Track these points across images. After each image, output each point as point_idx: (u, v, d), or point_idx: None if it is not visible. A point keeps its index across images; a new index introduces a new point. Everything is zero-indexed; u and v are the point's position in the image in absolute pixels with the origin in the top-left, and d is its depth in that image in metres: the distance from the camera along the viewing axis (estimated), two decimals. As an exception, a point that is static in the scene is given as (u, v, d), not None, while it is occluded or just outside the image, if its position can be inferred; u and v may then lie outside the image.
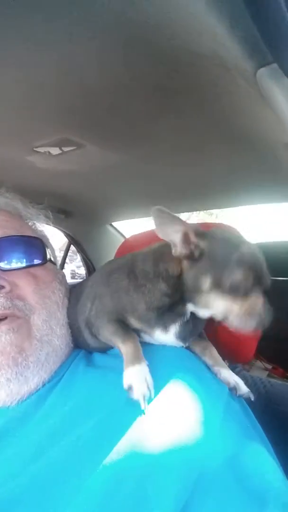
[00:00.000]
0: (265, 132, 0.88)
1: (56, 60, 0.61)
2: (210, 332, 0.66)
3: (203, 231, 0.51)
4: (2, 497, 0.39)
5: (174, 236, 0.51)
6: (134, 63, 0.63)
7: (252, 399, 0.54)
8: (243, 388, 0.55)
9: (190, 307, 0.55)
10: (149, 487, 0.37)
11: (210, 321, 0.58)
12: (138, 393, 0.45)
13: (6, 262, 0.60)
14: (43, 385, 0.57)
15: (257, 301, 0.49)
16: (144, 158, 1.11)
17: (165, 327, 0.56)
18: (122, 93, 0.74)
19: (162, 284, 0.55)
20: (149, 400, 0.45)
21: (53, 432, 0.47)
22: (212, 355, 0.60)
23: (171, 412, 0.45)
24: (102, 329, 0.58)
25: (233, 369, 0.76)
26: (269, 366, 1.71)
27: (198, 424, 0.43)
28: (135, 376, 0.47)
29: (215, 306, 0.51)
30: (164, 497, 0.36)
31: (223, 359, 0.61)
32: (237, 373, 0.78)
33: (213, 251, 0.50)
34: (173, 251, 0.51)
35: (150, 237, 0.96)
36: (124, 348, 0.52)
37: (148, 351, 0.56)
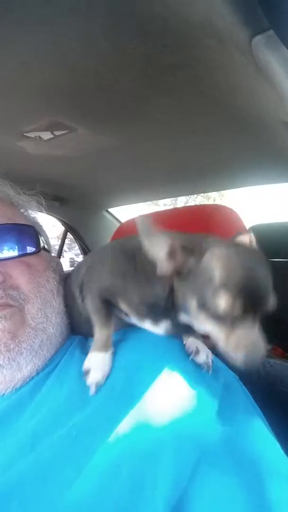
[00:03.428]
0: (263, 111, 0.85)
1: (40, 37, 0.58)
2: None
3: (193, 245, 0.43)
4: (0, 487, 0.39)
5: (158, 252, 0.43)
6: (121, 37, 0.59)
7: (209, 372, 0.50)
8: (201, 357, 0.52)
9: (184, 317, 0.49)
10: (148, 471, 0.37)
11: None
12: (92, 380, 0.48)
13: None
14: (37, 373, 0.57)
15: (248, 333, 0.40)
16: (138, 141, 1.08)
17: (156, 321, 0.52)
18: (110, 71, 0.70)
19: (157, 285, 0.49)
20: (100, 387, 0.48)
21: (49, 420, 0.47)
22: None
23: (167, 396, 0.45)
24: (88, 299, 0.58)
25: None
26: (269, 347, 1.72)
27: (195, 406, 0.43)
28: (96, 363, 0.49)
29: (205, 328, 0.43)
30: (163, 480, 0.36)
31: None
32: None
33: (199, 269, 0.42)
34: (157, 269, 0.44)
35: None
36: (99, 334, 0.53)
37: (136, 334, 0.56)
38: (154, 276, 0.46)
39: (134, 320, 0.56)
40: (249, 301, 0.39)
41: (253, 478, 0.38)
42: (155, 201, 2.04)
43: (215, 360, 0.55)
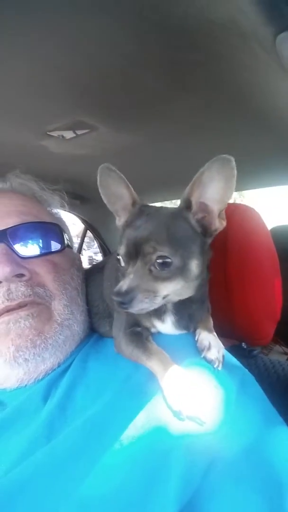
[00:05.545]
0: (284, 109, 0.83)
1: (66, 37, 0.60)
2: (227, 313, 0.65)
3: (140, 204, 0.55)
4: (16, 476, 0.40)
5: (118, 202, 0.55)
6: (146, 36, 0.60)
7: (219, 368, 0.50)
8: (212, 353, 0.51)
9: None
10: (160, 467, 0.38)
11: (226, 301, 0.56)
12: (192, 413, 0.41)
13: (25, 249, 0.60)
14: (59, 365, 0.58)
15: (126, 271, 0.48)
16: (158, 141, 1.08)
17: (160, 318, 0.55)
18: (134, 70, 0.71)
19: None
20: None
21: (65, 414, 0.48)
22: (202, 322, 0.58)
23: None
24: (119, 341, 0.56)
25: (251, 351, 0.75)
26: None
27: (209, 405, 0.43)
28: (180, 395, 0.43)
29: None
30: (176, 477, 0.36)
31: (242, 340, 0.60)
32: (255, 355, 0.77)
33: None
34: (116, 220, 0.56)
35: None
36: (151, 363, 0.48)
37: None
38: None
39: (153, 323, 0.57)
40: (130, 249, 0.47)
41: (269, 490, 0.37)
42: (174, 200, 2.03)
43: (231, 358, 0.55)
